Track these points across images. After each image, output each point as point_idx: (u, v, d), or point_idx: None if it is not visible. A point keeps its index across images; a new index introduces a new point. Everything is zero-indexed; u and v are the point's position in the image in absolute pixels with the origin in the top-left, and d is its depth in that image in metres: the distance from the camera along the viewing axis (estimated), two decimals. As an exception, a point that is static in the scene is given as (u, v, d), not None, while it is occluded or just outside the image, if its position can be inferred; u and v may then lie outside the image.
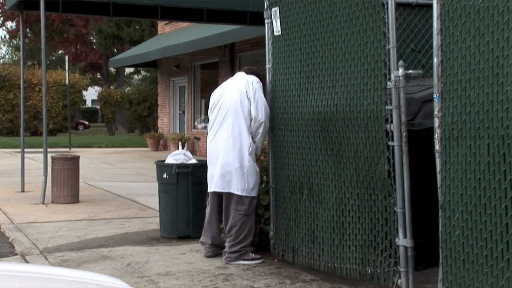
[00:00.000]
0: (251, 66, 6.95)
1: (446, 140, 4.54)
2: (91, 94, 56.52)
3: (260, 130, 6.33)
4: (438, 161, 4.64)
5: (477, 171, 4.31)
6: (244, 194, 6.27)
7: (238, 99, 6.28)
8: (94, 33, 39.38)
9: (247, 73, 6.54)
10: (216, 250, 6.50)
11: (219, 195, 6.44)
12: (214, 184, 6.37)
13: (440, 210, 4.63)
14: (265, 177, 6.79)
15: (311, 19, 5.93)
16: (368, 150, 5.33)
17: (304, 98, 6.05)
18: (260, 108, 6.28)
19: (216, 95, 6.52)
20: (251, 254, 6.34)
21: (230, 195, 6.33)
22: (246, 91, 6.29)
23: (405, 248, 5.08)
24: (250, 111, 6.28)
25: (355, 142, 5.46)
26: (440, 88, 4.58)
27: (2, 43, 59.72)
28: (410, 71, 5.09)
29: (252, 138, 6.33)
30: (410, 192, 5.05)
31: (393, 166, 5.11)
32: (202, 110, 21.69)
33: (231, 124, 6.28)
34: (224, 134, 6.31)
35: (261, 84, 6.45)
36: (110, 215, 9.14)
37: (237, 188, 6.26)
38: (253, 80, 6.39)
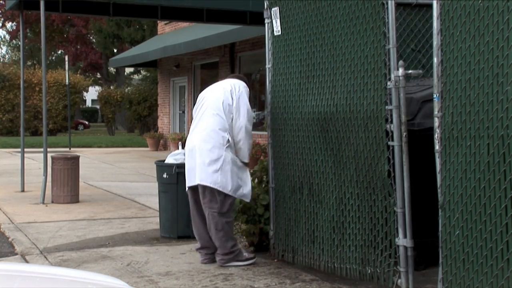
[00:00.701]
0: (239, 74, 6.93)
1: (446, 140, 4.54)
2: (91, 94, 56.53)
3: (242, 135, 6.13)
4: (438, 161, 4.64)
5: (477, 171, 4.31)
6: (215, 187, 6.04)
7: (221, 96, 6.17)
8: (94, 32, 39.38)
9: (234, 79, 6.54)
10: (212, 257, 6.28)
11: (196, 192, 6.26)
12: (194, 178, 6.18)
13: (440, 210, 4.63)
14: (265, 177, 6.79)
15: (311, 19, 5.93)
16: (368, 150, 5.33)
17: (304, 98, 6.05)
18: (242, 112, 6.12)
19: (201, 96, 6.46)
20: (245, 254, 6.23)
21: (203, 189, 6.12)
22: (231, 91, 6.18)
23: (405, 248, 5.07)
24: (232, 111, 6.12)
25: (355, 142, 5.46)
26: (440, 88, 4.58)
27: (2, 43, 59.75)
28: (410, 71, 5.09)
29: (234, 142, 6.15)
30: (410, 192, 5.05)
31: (393, 166, 5.10)
32: (202, 110, 21.68)
33: (209, 118, 6.17)
34: (200, 128, 6.23)
35: (248, 89, 6.36)
36: (110, 215, 9.14)
37: (207, 181, 6.06)
38: (240, 84, 6.30)
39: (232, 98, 6.15)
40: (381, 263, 5.31)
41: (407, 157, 5.03)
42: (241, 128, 6.13)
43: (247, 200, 6.35)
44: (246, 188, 6.27)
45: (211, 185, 6.07)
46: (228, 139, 6.12)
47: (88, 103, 63.38)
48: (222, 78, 16.71)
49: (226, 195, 6.12)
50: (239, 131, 6.13)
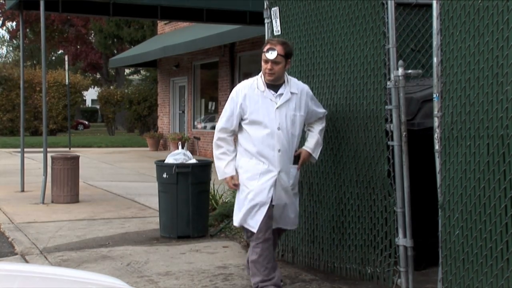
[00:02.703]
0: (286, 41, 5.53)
1: (445, 140, 4.54)
2: (91, 94, 56.54)
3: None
4: (437, 161, 4.64)
5: (476, 171, 4.31)
6: None
7: None
8: (94, 32, 39.37)
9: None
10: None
11: None
12: None
13: (439, 210, 4.63)
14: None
15: (311, 18, 5.93)
16: (368, 150, 5.33)
17: (304, 98, 6.04)
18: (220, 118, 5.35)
19: None
20: None
21: None
22: None
23: (405, 247, 5.08)
24: None
25: (355, 142, 5.46)
26: (440, 88, 4.58)
27: (2, 43, 59.73)
28: (409, 71, 5.08)
29: None
30: (410, 192, 5.05)
31: (392, 166, 5.11)
32: (202, 110, 21.70)
33: None
34: None
35: (238, 91, 5.24)
36: (110, 215, 9.14)
37: None
38: (238, 85, 5.38)
39: None
40: (381, 263, 5.31)
41: (406, 157, 5.03)
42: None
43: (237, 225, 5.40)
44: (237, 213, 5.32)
45: None
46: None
47: (88, 103, 63.38)
48: (222, 78, 16.22)
49: None
50: None
